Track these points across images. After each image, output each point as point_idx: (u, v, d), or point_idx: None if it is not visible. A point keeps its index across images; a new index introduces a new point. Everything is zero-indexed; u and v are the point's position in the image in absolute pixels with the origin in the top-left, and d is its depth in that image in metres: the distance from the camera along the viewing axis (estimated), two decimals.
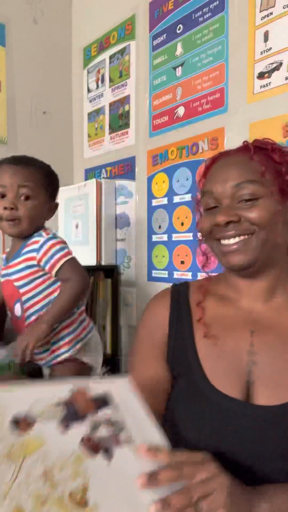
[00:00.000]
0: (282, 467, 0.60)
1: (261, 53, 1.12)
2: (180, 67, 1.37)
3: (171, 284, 0.81)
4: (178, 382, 0.72)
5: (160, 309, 0.77)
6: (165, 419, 0.71)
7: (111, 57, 1.68)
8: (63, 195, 1.66)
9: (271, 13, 1.09)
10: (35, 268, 1.05)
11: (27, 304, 1.07)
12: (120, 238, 1.65)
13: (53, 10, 1.80)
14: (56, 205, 1.13)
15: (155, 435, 0.51)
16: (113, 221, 1.65)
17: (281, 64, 1.07)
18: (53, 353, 1.08)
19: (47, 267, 1.03)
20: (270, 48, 1.10)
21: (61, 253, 1.04)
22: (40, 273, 1.05)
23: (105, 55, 1.71)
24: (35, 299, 1.06)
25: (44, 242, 1.04)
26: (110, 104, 1.69)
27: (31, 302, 1.06)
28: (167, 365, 0.74)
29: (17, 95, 1.69)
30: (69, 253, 1.06)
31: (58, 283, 1.07)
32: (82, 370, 1.12)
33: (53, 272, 1.04)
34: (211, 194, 0.69)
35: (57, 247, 1.04)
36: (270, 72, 1.10)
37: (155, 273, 1.49)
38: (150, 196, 1.50)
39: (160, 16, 1.44)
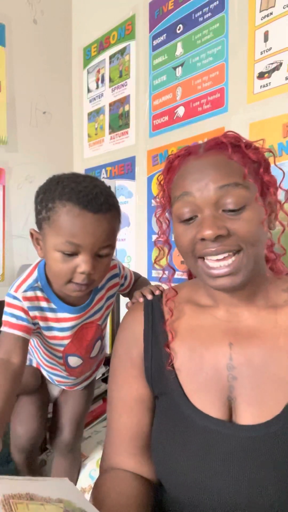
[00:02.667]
0: (275, 493, 0.53)
1: (261, 53, 1.12)
2: (180, 67, 1.37)
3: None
4: (160, 401, 0.68)
5: (134, 324, 0.72)
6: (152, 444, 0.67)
7: (111, 57, 1.68)
8: None
9: (271, 13, 1.09)
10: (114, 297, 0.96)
11: (103, 337, 0.99)
12: (120, 238, 1.65)
13: (53, 10, 1.80)
14: None
15: None
16: None
17: (281, 64, 1.07)
18: (87, 380, 1.06)
19: (125, 285, 0.99)
20: (270, 48, 1.10)
21: (128, 267, 1.02)
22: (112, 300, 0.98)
23: (105, 55, 1.71)
24: (106, 329, 1.01)
25: (119, 262, 0.96)
26: (110, 104, 1.69)
27: (104, 332, 1.00)
28: (147, 384, 0.69)
29: (17, 95, 1.69)
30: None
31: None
32: (92, 385, 1.11)
33: (128, 289, 1.01)
34: (187, 201, 0.58)
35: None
36: (270, 72, 1.10)
37: (155, 273, 1.49)
38: (150, 196, 1.50)
39: (160, 16, 1.44)
